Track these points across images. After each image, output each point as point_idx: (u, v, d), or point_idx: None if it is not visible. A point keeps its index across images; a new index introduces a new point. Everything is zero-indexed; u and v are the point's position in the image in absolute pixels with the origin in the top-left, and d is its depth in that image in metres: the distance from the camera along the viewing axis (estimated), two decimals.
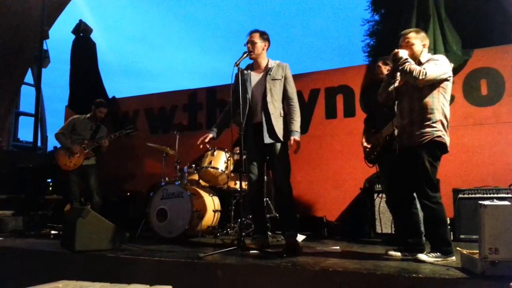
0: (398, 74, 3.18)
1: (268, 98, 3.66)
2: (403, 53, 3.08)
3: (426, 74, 2.92)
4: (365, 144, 4.18)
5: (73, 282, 2.18)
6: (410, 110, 3.11)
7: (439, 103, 3.02)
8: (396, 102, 3.40)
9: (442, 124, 3.01)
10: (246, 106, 3.72)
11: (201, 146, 3.90)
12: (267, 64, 3.79)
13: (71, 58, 7.95)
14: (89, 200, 5.27)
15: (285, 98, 3.76)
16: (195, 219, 4.33)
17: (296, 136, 3.63)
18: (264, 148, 3.69)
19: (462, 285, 2.29)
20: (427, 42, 3.22)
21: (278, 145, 3.66)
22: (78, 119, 5.45)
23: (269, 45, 3.82)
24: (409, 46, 3.15)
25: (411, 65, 2.98)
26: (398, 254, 3.18)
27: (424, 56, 3.17)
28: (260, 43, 3.74)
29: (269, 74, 3.71)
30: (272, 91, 3.69)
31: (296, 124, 3.68)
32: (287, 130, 3.68)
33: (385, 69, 4.05)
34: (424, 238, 3.43)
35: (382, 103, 4.05)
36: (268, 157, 3.79)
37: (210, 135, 3.85)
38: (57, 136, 5.37)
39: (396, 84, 3.27)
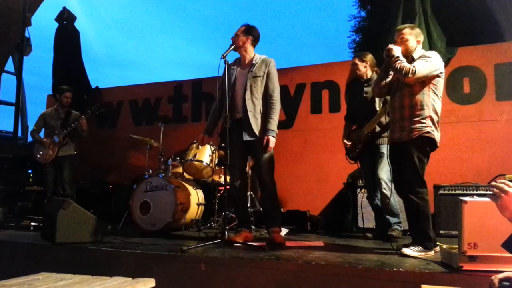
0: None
1: (247, 95, 3.64)
2: (396, 50, 3.11)
3: (415, 72, 2.95)
4: (345, 141, 4.21)
5: (54, 275, 2.15)
6: (401, 106, 3.15)
7: (429, 99, 3.06)
8: (389, 97, 3.43)
9: (432, 120, 3.04)
10: (229, 102, 3.68)
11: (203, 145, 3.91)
12: (251, 60, 3.76)
13: (54, 47, 7.77)
14: (62, 193, 5.21)
15: (265, 95, 3.70)
16: (179, 212, 4.31)
17: (270, 135, 3.58)
18: (246, 143, 3.68)
19: (441, 279, 2.34)
20: (421, 38, 3.25)
21: (259, 141, 3.63)
22: (47, 113, 5.50)
23: (253, 40, 3.76)
24: (403, 42, 3.18)
25: (401, 63, 3.02)
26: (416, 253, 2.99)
27: (418, 52, 3.20)
28: (241, 36, 3.70)
29: (251, 71, 3.68)
30: (252, 88, 3.65)
31: (272, 123, 3.61)
32: (264, 128, 3.64)
33: (362, 66, 4.10)
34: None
35: (363, 101, 4.10)
36: (251, 152, 3.79)
37: (203, 137, 3.91)
38: (31, 133, 5.46)
39: (389, 79, 3.31)
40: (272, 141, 3.59)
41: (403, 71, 2.97)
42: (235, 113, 3.71)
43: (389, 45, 3.17)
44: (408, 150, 3.05)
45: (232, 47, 3.65)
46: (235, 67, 3.80)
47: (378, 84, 3.39)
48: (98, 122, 7.22)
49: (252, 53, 3.79)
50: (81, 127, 5.26)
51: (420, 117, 3.03)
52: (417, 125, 3.03)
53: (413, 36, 3.19)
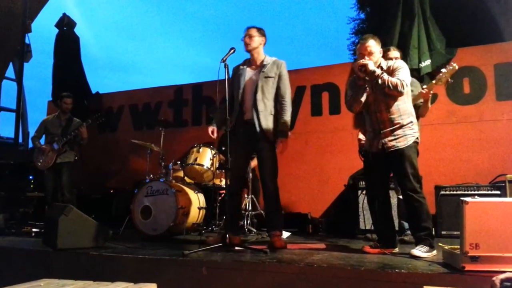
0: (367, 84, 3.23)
1: (258, 96, 3.63)
2: (371, 65, 3.13)
3: (407, 84, 3.09)
4: (360, 136, 4.16)
5: (55, 281, 2.15)
6: (390, 117, 3.17)
7: (410, 106, 3.24)
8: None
9: (415, 124, 3.23)
10: (237, 102, 3.69)
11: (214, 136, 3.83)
12: (262, 61, 3.76)
13: (54, 52, 7.79)
14: (60, 198, 5.22)
15: (277, 97, 3.71)
16: (180, 216, 4.31)
17: (283, 137, 3.62)
18: (252, 145, 3.68)
19: (444, 280, 2.33)
20: (380, 45, 3.32)
21: (267, 143, 3.64)
22: (48, 119, 5.54)
23: (265, 42, 3.80)
24: (371, 54, 3.22)
25: (390, 78, 3.08)
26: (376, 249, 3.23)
27: (382, 61, 3.29)
28: (257, 37, 3.72)
29: (263, 71, 3.68)
30: (263, 88, 3.65)
31: (284, 124, 3.65)
32: (276, 130, 3.67)
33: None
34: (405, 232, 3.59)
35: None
36: (255, 155, 3.78)
37: (213, 128, 3.81)
38: (32, 139, 5.51)
39: (364, 98, 3.26)
40: (285, 144, 3.63)
41: (398, 88, 3.04)
42: (244, 114, 3.71)
43: (363, 61, 3.16)
44: (407, 154, 3.12)
45: (233, 51, 3.61)
46: (245, 67, 3.80)
47: (357, 101, 3.28)
48: (99, 127, 7.23)
49: (263, 54, 3.79)
50: (81, 135, 5.29)
51: (410, 124, 3.18)
52: (409, 132, 3.16)
53: (377, 47, 3.26)
